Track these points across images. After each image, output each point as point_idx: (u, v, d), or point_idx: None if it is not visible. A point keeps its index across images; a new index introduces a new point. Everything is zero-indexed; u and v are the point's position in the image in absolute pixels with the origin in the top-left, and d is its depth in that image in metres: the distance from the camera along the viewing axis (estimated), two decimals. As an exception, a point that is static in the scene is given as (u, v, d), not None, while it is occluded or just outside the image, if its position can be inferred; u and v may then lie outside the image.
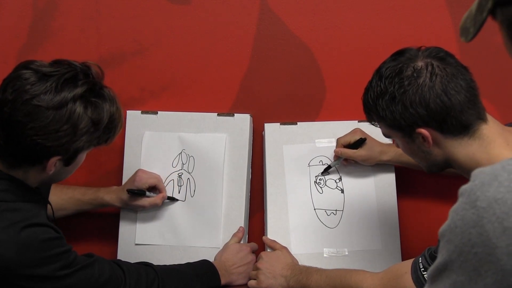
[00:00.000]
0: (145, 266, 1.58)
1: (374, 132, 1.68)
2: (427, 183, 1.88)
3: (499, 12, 0.86)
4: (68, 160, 1.41)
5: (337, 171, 1.87)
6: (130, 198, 1.79)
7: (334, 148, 1.84)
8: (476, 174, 0.79)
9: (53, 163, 1.38)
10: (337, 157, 1.84)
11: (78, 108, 1.35)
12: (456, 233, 0.78)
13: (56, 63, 1.39)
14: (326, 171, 1.86)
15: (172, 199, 1.86)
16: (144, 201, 1.80)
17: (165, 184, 1.87)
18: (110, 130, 1.44)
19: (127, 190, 1.79)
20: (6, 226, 1.32)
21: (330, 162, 1.87)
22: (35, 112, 1.32)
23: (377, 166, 1.84)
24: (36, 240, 1.33)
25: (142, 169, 1.84)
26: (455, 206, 0.80)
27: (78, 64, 1.41)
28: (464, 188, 0.79)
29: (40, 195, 1.47)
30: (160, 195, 1.83)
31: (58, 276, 1.36)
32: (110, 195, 1.80)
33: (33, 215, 1.37)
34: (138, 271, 1.53)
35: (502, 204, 0.75)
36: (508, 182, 0.76)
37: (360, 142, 1.79)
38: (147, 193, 1.81)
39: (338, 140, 1.83)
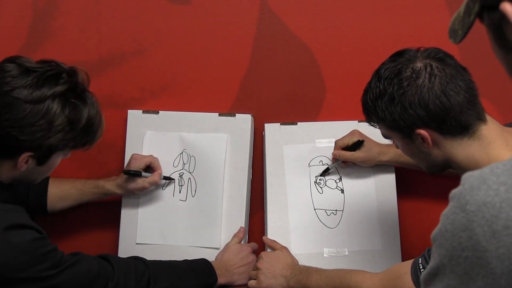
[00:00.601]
0: (135, 259, 1.58)
1: (373, 133, 1.68)
2: (427, 183, 1.88)
3: (486, 16, 0.86)
4: (41, 158, 1.41)
5: (337, 171, 1.87)
6: (129, 181, 1.79)
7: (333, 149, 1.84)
8: (465, 178, 0.79)
9: (25, 159, 1.38)
10: (335, 159, 1.84)
11: (56, 105, 1.35)
12: (447, 237, 0.78)
13: (43, 61, 1.41)
14: (325, 173, 1.86)
15: (168, 179, 1.87)
16: (144, 182, 1.80)
17: (166, 184, 1.88)
18: (88, 134, 1.43)
19: (123, 171, 1.80)
20: None
21: (329, 163, 1.87)
22: (12, 104, 1.33)
23: (377, 166, 1.84)
24: (21, 242, 1.33)
25: (136, 153, 1.85)
26: (446, 210, 0.80)
27: (65, 66, 1.42)
28: (454, 192, 0.79)
29: (16, 192, 1.47)
30: (156, 172, 1.82)
31: (45, 277, 1.36)
32: (110, 182, 1.81)
33: (13, 216, 1.36)
34: (127, 265, 1.53)
35: (491, 208, 0.75)
36: (497, 186, 0.76)
37: (358, 144, 1.78)
38: (143, 173, 1.81)
39: (336, 143, 1.82)
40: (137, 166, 1.81)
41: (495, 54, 0.89)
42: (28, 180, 1.49)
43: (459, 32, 0.90)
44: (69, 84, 1.39)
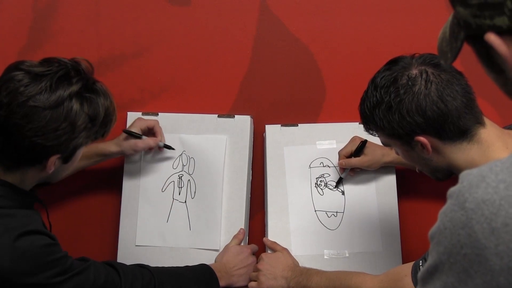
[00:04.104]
0: (141, 267, 1.58)
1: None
2: (428, 185, 1.87)
3: (471, 42, 0.86)
4: (67, 157, 1.42)
5: (338, 173, 1.87)
6: (126, 140, 1.80)
7: (335, 150, 1.84)
8: (464, 175, 0.79)
9: (53, 162, 1.38)
10: (342, 169, 1.84)
11: (75, 105, 1.35)
12: (445, 234, 0.78)
13: (46, 61, 1.39)
14: (339, 183, 1.86)
15: (169, 147, 1.86)
16: (137, 141, 1.79)
17: (165, 185, 1.87)
18: (106, 124, 1.44)
19: (123, 130, 1.80)
20: (0, 233, 1.31)
21: (330, 165, 1.87)
22: (32, 113, 1.32)
23: (378, 168, 1.83)
24: (31, 248, 1.33)
25: (141, 117, 1.86)
26: (444, 208, 0.80)
27: (67, 61, 1.40)
28: (452, 190, 0.80)
29: (35, 198, 1.47)
30: (153, 138, 1.82)
31: (54, 283, 1.36)
32: (105, 143, 1.79)
33: (28, 222, 1.36)
34: (133, 273, 1.53)
35: (490, 205, 0.75)
36: (496, 183, 0.76)
37: (362, 146, 1.78)
38: (143, 137, 1.81)
39: (339, 153, 1.82)
40: (138, 127, 1.81)
41: (487, 74, 0.89)
42: (53, 179, 1.49)
43: (449, 55, 0.90)
44: (82, 81, 1.38)
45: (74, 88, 1.36)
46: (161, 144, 1.85)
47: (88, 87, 1.40)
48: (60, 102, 1.33)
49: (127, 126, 1.90)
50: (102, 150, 1.80)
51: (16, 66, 1.37)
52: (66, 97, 1.34)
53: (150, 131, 1.84)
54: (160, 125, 1.87)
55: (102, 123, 1.42)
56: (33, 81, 1.34)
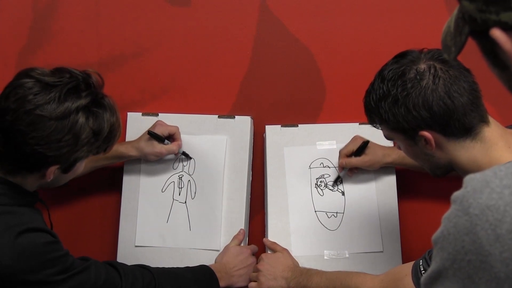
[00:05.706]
0: (142, 268, 1.58)
1: (374, 134, 1.67)
2: (428, 185, 1.87)
3: (475, 37, 0.85)
4: (67, 168, 1.42)
5: (337, 171, 1.87)
6: (147, 144, 1.80)
7: (335, 150, 1.84)
8: (467, 180, 0.79)
9: (52, 171, 1.39)
10: (342, 168, 1.83)
11: (81, 118, 1.35)
12: (449, 240, 0.78)
13: (58, 71, 1.39)
14: (336, 182, 1.86)
15: (186, 155, 1.87)
16: (162, 148, 1.81)
17: (166, 186, 1.87)
18: (109, 140, 1.44)
19: (148, 132, 1.79)
20: (1, 231, 1.32)
21: (330, 165, 1.87)
22: (37, 122, 1.32)
23: (378, 168, 1.83)
24: (32, 246, 1.33)
25: (161, 120, 1.85)
26: (448, 213, 0.79)
27: (79, 72, 1.40)
28: (456, 195, 0.79)
29: (35, 198, 1.47)
30: (176, 142, 1.83)
31: (55, 281, 1.36)
32: (125, 146, 1.81)
33: (29, 220, 1.37)
34: (134, 274, 1.53)
35: (494, 211, 0.74)
36: (500, 189, 0.75)
37: (364, 146, 1.78)
38: (166, 141, 1.82)
39: (340, 152, 1.82)
40: (161, 132, 1.81)
41: (491, 70, 0.88)
42: (53, 185, 1.49)
43: (452, 49, 0.89)
44: (91, 96, 1.38)
45: (83, 101, 1.36)
46: (181, 150, 1.86)
47: (96, 101, 1.40)
48: (67, 114, 1.34)
49: (127, 127, 1.90)
50: (122, 154, 1.81)
51: (27, 73, 1.37)
52: (73, 110, 1.34)
53: (170, 137, 1.84)
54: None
55: (106, 139, 1.42)
56: (42, 90, 1.34)
